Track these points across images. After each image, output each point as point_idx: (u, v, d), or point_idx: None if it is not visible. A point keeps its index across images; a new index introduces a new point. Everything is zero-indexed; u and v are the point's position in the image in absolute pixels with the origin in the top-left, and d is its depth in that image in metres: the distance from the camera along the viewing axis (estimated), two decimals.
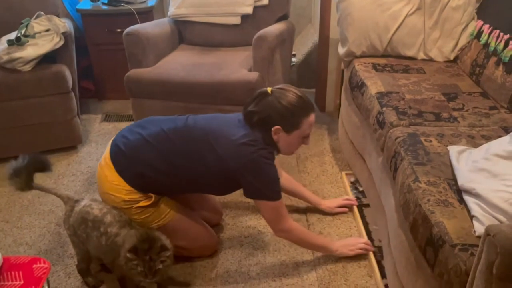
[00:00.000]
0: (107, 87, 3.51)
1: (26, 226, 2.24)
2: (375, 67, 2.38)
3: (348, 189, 2.41)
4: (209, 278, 1.92)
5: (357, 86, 2.30)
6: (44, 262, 1.44)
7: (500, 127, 1.80)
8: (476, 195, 1.32)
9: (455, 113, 1.92)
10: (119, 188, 1.77)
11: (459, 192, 1.41)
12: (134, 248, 1.57)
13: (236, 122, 1.81)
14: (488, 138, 1.69)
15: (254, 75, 2.49)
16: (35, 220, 2.28)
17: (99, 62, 3.43)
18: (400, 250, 1.56)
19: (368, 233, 2.08)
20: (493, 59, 2.10)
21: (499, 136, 1.63)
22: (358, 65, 2.42)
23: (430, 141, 1.70)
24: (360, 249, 1.96)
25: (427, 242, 1.32)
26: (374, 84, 2.18)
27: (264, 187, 1.77)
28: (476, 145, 1.62)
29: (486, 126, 1.82)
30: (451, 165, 1.54)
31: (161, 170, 1.77)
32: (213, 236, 2.02)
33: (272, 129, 1.75)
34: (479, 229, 1.24)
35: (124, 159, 1.79)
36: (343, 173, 2.55)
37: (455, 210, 1.34)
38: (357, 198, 2.32)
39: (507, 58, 1.99)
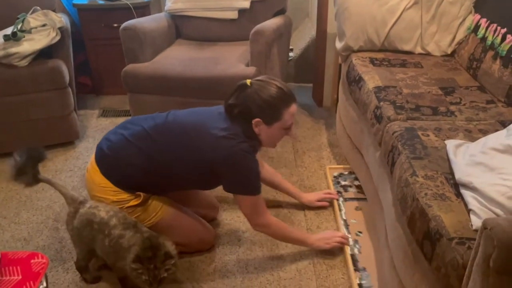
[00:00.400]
0: (104, 82, 3.51)
1: (23, 222, 2.24)
2: (372, 61, 2.38)
3: (331, 183, 2.42)
4: (207, 273, 1.92)
5: (355, 81, 2.30)
6: (42, 257, 1.44)
7: (497, 121, 1.81)
8: (473, 189, 1.33)
9: (452, 107, 1.93)
10: (107, 190, 1.78)
11: (456, 186, 1.41)
12: (137, 257, 1.56)
13: (216, 115, 1.80)
14: (485, 132, 1.69)
15: (251, 70, 2.49)
16: (33, 215, 2.28)
17: (96, 57, 3.42)
18: (397, 244, 1.56)
19: (346, 227, 2.10)
20: (490, 53, 2.10)
21: (496, 130, 1.63)
22: (355, 59, 2.41)
23: (428, 135, 1.71)
24: (337, 242, 1.96)
25: (424, 236, 1.32)
26: (372, 79, 2.17)
27: (244, 182, 1.77)
28: (473, 139, 1.62)
29: (483, 120, 1.83)
30: (448, 159, 1.54)
31: (144, 168, 1.78)
32: (209, 230, 2.02)
33: (253, 121, 1.74)
34: (476, 222, 1.24)
35: (108, 161, 1.81)
36: (327, 167, 2.55)
37: (452, 204, 1.34)
38: (339, 192, 2.33)
39: (504, 52, 1.99)
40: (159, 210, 1.86)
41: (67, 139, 2.88)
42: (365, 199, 2.25)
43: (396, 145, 1.69)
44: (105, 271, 1.91)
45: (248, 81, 1.77)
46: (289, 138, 2.88)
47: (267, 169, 2.21)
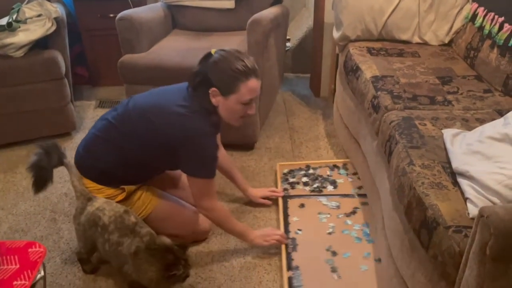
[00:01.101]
0: (101, 73, 3.49)
1: (21, 213, 2.24)
2: (370, 51, 2.37)
3: (279, 180, 2.38)
4: (205, 262, 1.93)
5: (352, 70, 2.29)
6: (40, 246, 1.44)
7: (495, 110, 1.81)
8: (470, 178, 1.33)
9: (449, 97, 1.92)
10: (92, 190, 1.79)
11: (453, 175, 1.42)
12: (167, 266, 1.56)
13: (176, 92, 1.78)
14: (482, 121, 1.70)
15: None
16: (30, 206, 2.28)
17: (92, 48, 3.40)
18: (394, 233, 1.57)
19: (287, 225, 2.07)
20: (488, 42, 2.10)
21: (493, 119, 1.63)
22: (353, 49, 2.41)
23: (425, 124, 1.71)
24: (276, 240, 1.94)
25: (421, 225, 1.33)
26: (369, 68, 2.17)
27: (199, 164, 1.74)
28: (470, 128, 1.62)
29: (481, 109, 1.83)
30: (445, 148, 1.54)
31: (118, 160, 1.78)
32: (204, 220, 2.01)
33: (209, 90, 1.71)
34: (472, 211, 1.24)
35: (84, 161, 1.83)
36: (278, 164, 2.51)
37: (449, 193, 1.35)
38: (285, 189, 2.30)
39: (502, 41, 1.99)
40: (148, 203, 1.85)
41: (64, 130, 2.87)
42: (309, 195, 2.24)
43: (393, 134, 1.69)
44: (105, 264, 1.91)
45: (212, 51, 1.73)
46: (286, 129, 2.89)
47: (223, 155, 2.15)
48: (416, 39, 2.47)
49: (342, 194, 2.25)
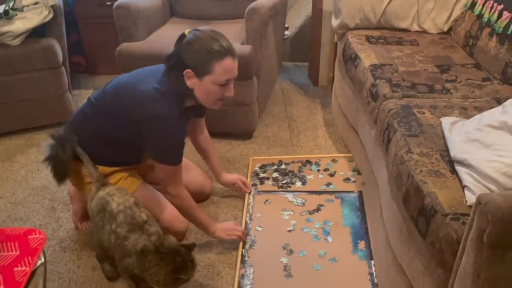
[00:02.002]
0: (98, 62, 3.47)
1: (20, 202, 2.24)
2: (368, 39, 2.36)
3: (249, 175, 2.34)
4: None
5: (351, 59, 2.29)
6: (40, 233, 1.44)
7: (493, 98, 1.81)
8: (468, 166, 1.33)
9: (448, 85, 1.92)
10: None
11: (451, 163, 1.42)
12: (175, 269, 1.54)
13: (154, 72, 1.75)
14: (480, 110, 1.70)
15: (246, 48, 2.47)
16: (29, 195, 2.28)
17: (89, 36, 3.38)
18: (392, 221, 1.58)
19: (249, 222, 2.04)
20: (487, 30, 2.09)
21: (492, 107, 1.63)
22: (351, 37, 2.40)
23: (423, 112, 1.71)
24: (237, 236, 1.91)
25: (419, 212, 1.33)
26: (368, 57, 2.16)
27: (165, 149, 1.72)
28: (468, 117, 1.62)
29: (479, 98, 1.83)
30: (443, 136, 1.54)
31: (91, 137, 1.78)
32: (181, 220, 1.91)
33: (184, 72, 1.66)
34: (470, 198, 1.25)
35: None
36: (251, 158, 2.48)
37: (447, 181, 1.35)
38: (254, 185, 2.26)
39: (501, 29, 1.99)
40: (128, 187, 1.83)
41: (61, 119, 2.85)
42: (276, 191, 2.21)
43: (392, 123, 1.70)
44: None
45: (186, 31, 1.69)
46: (285, 118, 2.88)
47: (205, 137, 2.12)
48: (415, 27, 2.46)
49: (309, 191, 2.21)
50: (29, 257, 1.36)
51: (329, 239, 1.93)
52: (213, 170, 2.18)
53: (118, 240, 1.61)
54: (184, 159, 2.09)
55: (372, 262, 1.82)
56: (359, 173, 2.30)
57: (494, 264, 1.05)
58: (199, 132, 2.10)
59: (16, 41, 2.59)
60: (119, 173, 1.86)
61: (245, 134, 2.71)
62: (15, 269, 1.32)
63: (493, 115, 1.45)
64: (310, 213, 2.07)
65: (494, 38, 2.03)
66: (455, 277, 1.17)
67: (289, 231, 1.98)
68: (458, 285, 1.15)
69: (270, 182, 2.29)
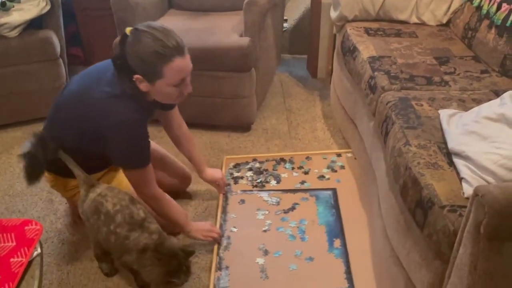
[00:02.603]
0: (96, 54, 3.45)
1: (17, 194, 2.24)
2: (367, 31, 2.35)
3: (223, 174, 2.25)
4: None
5: (349, 51, 2.28)
6: (36, 224, 1.45)
7: (491, 90, 1.80)
8: (466, 158, 1.33)
9: (446, 77, 1.92)
10: (54, 183, 1.81)
11: (449, 155, 1.42)
12: (168, 272, 1.54)
13: (103, 73, 1.64)
14: (479, 102, 1.69)
15: (245, 40, 2.46)
16: (27, 188, 2.27)
17: (87, 28, 3.36)
18: (390, 213, 1.58)
19: (223, 223, 2.02)
20: (486, 22, 2.08)
21: (490, 100, 1.62)
22: (350, 29, 2.39)
23: (421, 105, 1.70)
24: (212, 237, 1.88)
25: (416, 204, 1.33)
26: (366, 49, 2.16)
27: (130, 154, 1.64)
28: (466, 109, 1.62)
29: (477, 90, 1.82)
30: (441, 129, 1.54)
31: (64, 148, 1.70)
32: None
33: (133, 78, 1.54)
34: (467, 190, 1.25)
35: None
36: (225, 157, 2.44)
37: (445, 173, 1.35)
38: (228, 185, 2.22)
39: (500, 21, 1.98)
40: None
41: None
42: (251, 191, 2.18)
43: (390, 115, 1.69)
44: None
45: (127, 30, 1.54)
46: (283, 110, 2.88)
47: (183, 132, 2.03)
48: (414, 19, 2.45)
49: (284, 190, 2.18)
50: (26, 248, 1.36)
51: (305, 238, 1.91)
52: (195, 166, 2.09)
53: (119, 240, 1.58)
54: (159, 150, 2.06)
55: (349, 259, 1.80)
56: (333, 170, 2.29)
57: (491, 256, 1.06)
58: (175, 127, 2.01)
59: (14, 33, 2.58)
60: (107, 176, 1.85)
61: (243, 127, 2.70)
62: (12, 260, 1.33)
63: (491, 107, 1.45)
64: (285, 212, 2.05)
65: (493, 30, 2.02)
66: (452, 268, 1.17)
67: (265, 231, 1.96)
68: (455, 277, 1.15)
69: (244, 182, 2.25)
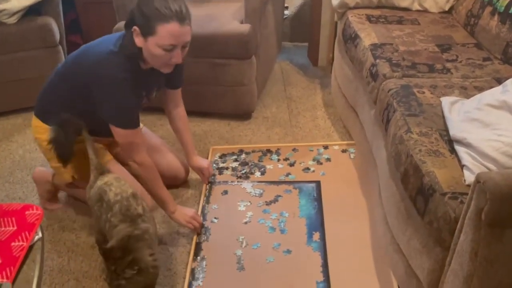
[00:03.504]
0: None
1: (18, 181, 2.24)
2: (369, 18, 2.33)
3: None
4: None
5: (351, 38, 2.26)
6: (37, 209, 1.45)
7: (493, 78, 1.79)
8: (467, 145, 1.33)
9: (448, 65, 1.91)
10: (39, 129, 1.81)
11: (451, 142, 1.41)
12: (105, 252, 1.46)
13: (113, 37, 1.72)
14: (480, 89, 1.68)
15: (246, 27, 2.44)
16: (27, 175, 2.28)
17: (86, 15, 3.34)
18: (390, 201, 1.58)
19: (204, 213, 2.00)
20: (489, 9, 2.06)
21: (492, 87, 1.61)
22: (351, 16, 2.37)
23: (423, 92, 1.69)
24: (193, 225, 1.86)
25: (417, 192, 1.33)
26: (368, 36, 2.14)
27: (115, 112, 1.69)
28: (468, 96, 1.61)
29: (479, 77, 1.81)
30: (443, 116, 1.54)
31: (56, 99, 1.78)
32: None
33: (132, 29, 1.61)
34: (469, 177, 1.25)
35: (39, 99, 1.87)
36: (211, 147, 2.42)
37: (446, 160, 1.35)
38: (213, 175, 2.19)
39: (503, 8, 1.96)
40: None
41: None
42: (235, 182, 2.15)
43: (392, 102, 1.69)
44: None
45: None
46: (284, 98, 2.87)
47: (179, 113, 2.04)
48: (416, 6, 2.42)
49: (268, 181, 2.15)
50: (26, 232, 1.37)
51: (285, 230, 1.89)
52: (184, 149, 2.11)
53: (110, 228, 1.56)
54: (158, 142, 2.08)
55: (326, 253, 1.78)
56: (319, 162, 2.26)
57: (492, 243, 1.06)
58: (172, 107, 2.02)
59: (12, 19, 2.56)
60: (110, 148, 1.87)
61: (244, 115, 2.69)
62: (13, 244, 1.33)
63: (493, 94, 1.44)
64: (267, 204, 2.02)
65: (495, 17, 2.00)
66: (452, 255, 1.17)
67: (245, 223, 1.94)
68: (456, 264, 1.15)
69: (229, 172, 2.23)
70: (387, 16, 2.36)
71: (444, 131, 1.47)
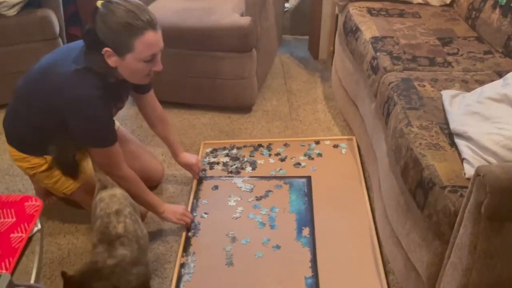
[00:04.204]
0: None
1: (18, 174, 2.24)
2: (370, 11, 2.32)
3: (200, 159, 2.25)
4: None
5: (351, 31, 2.26)
6: (36, 200, 1.44)
7: (494, 71, 1.79)
8: (468, 138, 1.33)
9: (449, 58, 1.90)
10: (17, 157, 1.75)
11: (451, 136, 1.41)
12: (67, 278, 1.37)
13: (72, 50, 1.62)
14: (481, 83, 1.68)
15: (246, 20, 2.43)
16: None
17: (86, 8, 3.31)
18: (390, 194, 1.58)
19: (195, 208, 2.00)
20: (490, 2, 2.05)
21: (493, 81, 1.61)
22: (352, 9, 2.36)
23: (424, 86, 1.69)
24: (185, 222, 1.86)
25: (417, 185, 1.33)
26: (369, 29, 2.13)
27: (92, 133, 1.61)
28: (469, 90, 1.61)
29: (480, 71, 1.81)
30: (443, 110, 1.53)
31: (27, 125, 1.68)
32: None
33: (103, 51, 1.50)
34: (469, 171, 1.25)
35: (7, 128, 1.77)
36: (202, 142, 2.40)
37: (446, 153, 1.35)
38: (203, 170, 2.19)
39: (504, 1, 1.95)
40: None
41: None
42: (225, 177, 2.15)
43: (392, 96, 1.68)
44: None
45: (99, 3, 1.50)
46: (284, 92, 2.86)
47: (158, 115, 1.99)
48: None
49: (259, 176, 2.15)
50: (26, 224, 1.36)
51: (274, 226, 1.88)
52: (170, 150, 2.08)
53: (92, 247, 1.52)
54: (133, 147, 2.04)
55: (315, 248, 1.77)
56: (310, 158, 2.25)
57: (491, 236, 1.06)
58: (150, 111, 1.97)
59: (12, 11, 2.55)
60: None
61: (244, 108, 2.69)
62: (12, 235, 1.33)
63: (494, 88, 1.43)
64: (257, 199, 2.01)
65: (497, 11, 1.99)
66: (451, 249, 1.18)
67: (235, 218, 1.93)
68: (455, 257, 1.15)
69: (220, 167, 2.23)
70: (388, 9, 2.35)
71: (444, 125, 1.47)
